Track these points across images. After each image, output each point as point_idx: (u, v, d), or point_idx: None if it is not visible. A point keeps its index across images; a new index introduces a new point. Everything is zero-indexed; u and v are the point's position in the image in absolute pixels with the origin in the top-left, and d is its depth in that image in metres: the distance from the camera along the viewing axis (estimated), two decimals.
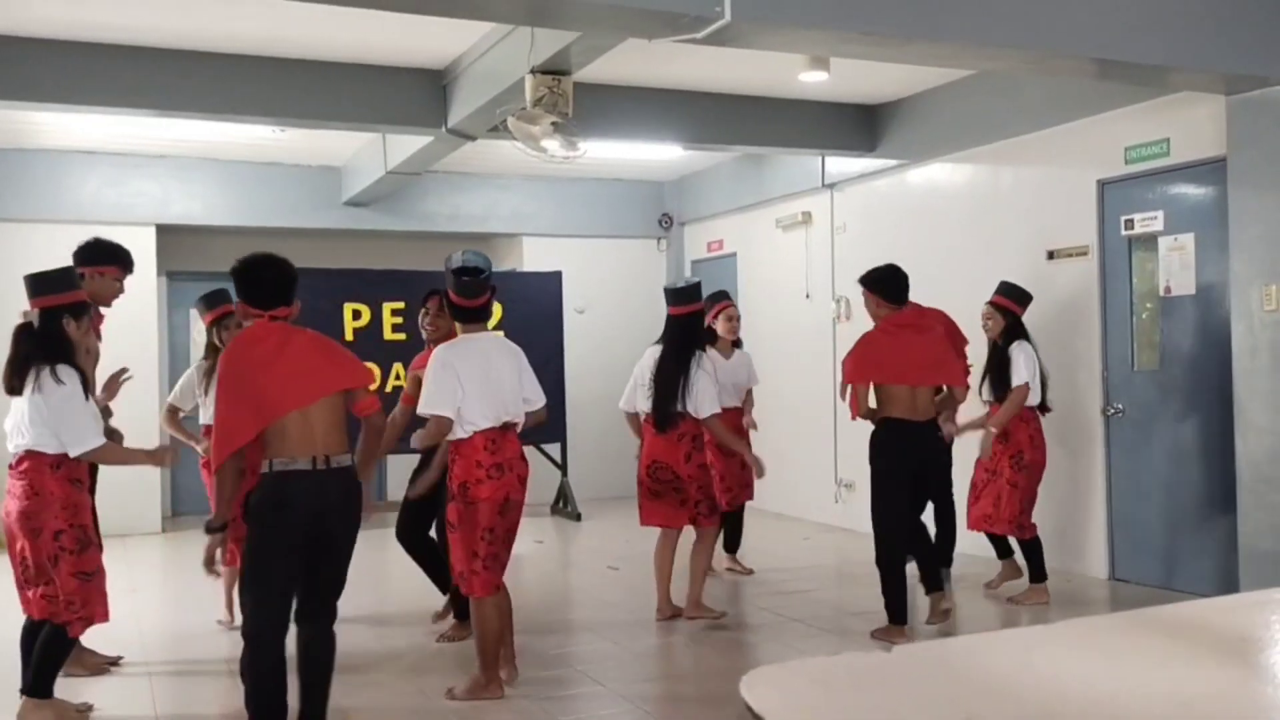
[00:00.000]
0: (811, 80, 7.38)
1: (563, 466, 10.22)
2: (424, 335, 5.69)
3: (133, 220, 9.50)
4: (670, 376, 5.96)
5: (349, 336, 9.04)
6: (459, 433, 4.68)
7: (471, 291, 4.78)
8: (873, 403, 5.79)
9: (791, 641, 5.78)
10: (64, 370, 4.38)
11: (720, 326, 7.14)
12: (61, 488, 4.41)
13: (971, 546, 7.00)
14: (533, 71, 5.95)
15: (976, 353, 6.60)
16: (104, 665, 5.31)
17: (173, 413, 6.11)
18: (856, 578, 7.30)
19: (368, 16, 5.45)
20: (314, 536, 3.95)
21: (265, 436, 3.91)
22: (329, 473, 3.94)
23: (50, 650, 4.46)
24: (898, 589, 5.69)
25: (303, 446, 3.90)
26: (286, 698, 4.01)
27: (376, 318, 9.32)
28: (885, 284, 5.85)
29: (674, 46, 4.68)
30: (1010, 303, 6.45)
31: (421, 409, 4.70)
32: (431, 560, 5.95)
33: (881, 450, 5.72)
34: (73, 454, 4.37)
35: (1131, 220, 6.78)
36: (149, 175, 9.81)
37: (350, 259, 10.53)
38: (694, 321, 6.15)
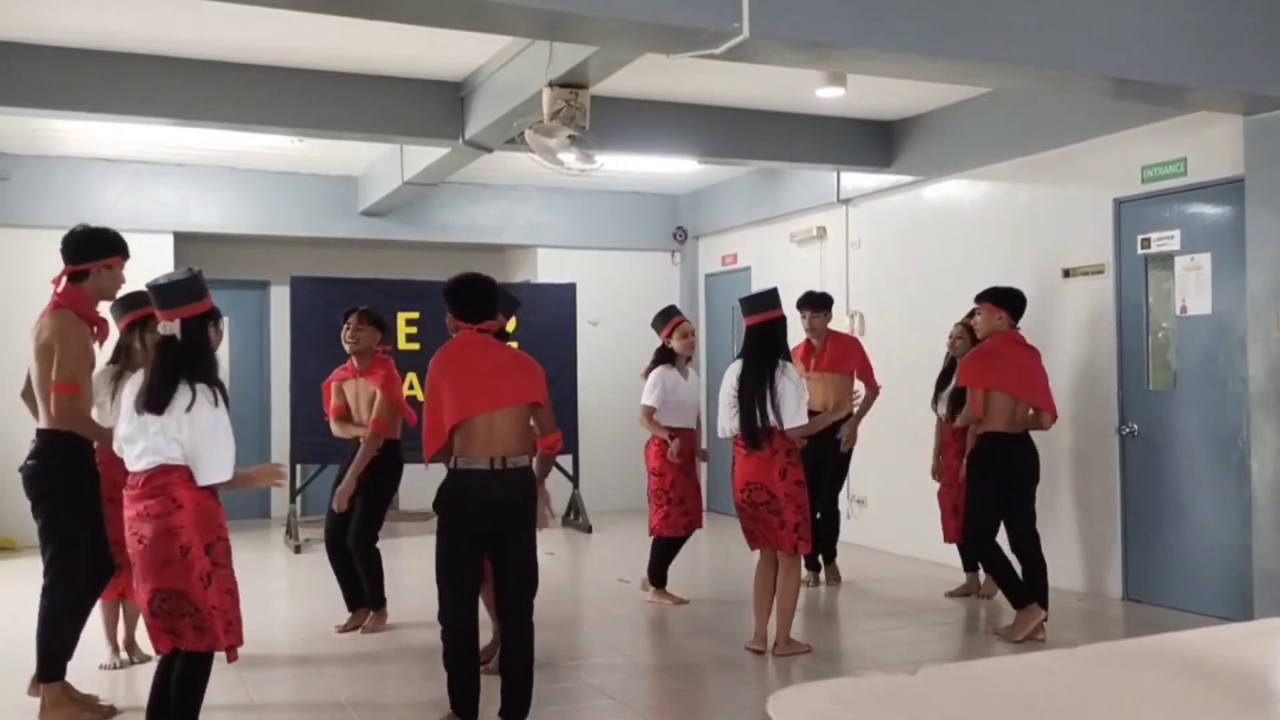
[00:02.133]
0: (828, 96, 7.40)
1: (574, 478, 10.22)
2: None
3: (151, 227, 9.55)
4: (754, 390, 5.60)
5: None
6: None
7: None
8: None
9: (804, 660, 5.75)
10: (219, 393, 3.98)
11: (677, 344, 6.92)
12: (206, 498, 3.96)
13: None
14: (550, 84, 5.98)
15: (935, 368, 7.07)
16: (104, 706, 4.82)
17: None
18: (868, 595, 7.28)
19: (387, 28, 5.50)
20: (488, 532, 4.38)
21: (455, 435, 4.35)
22: (505, 473, 4.35)
23: (195, 685, 4.00)
24: (1013, 575, 5.95)
25: (485, 448, 4.35)
26: (478, 677, 4.47)
27: (391, 327, 9.34)
28: (1009, 301, 6.20)
29: (691, 61, 4.69)
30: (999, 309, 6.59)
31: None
32: (347, 572, 6.29)
33: (984, 460, 6.03)
34: (204, 482, 3.91)
35: (1148, 239, 6.77)
36: (168, 183, 9.88)
37: (366, 268, 10.58)
38: (771, 330, 5.71)
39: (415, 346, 9.22)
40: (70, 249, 4.69)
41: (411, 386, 9.36)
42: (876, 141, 8.72)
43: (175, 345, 3.96)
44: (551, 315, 9.84)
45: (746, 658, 5.75)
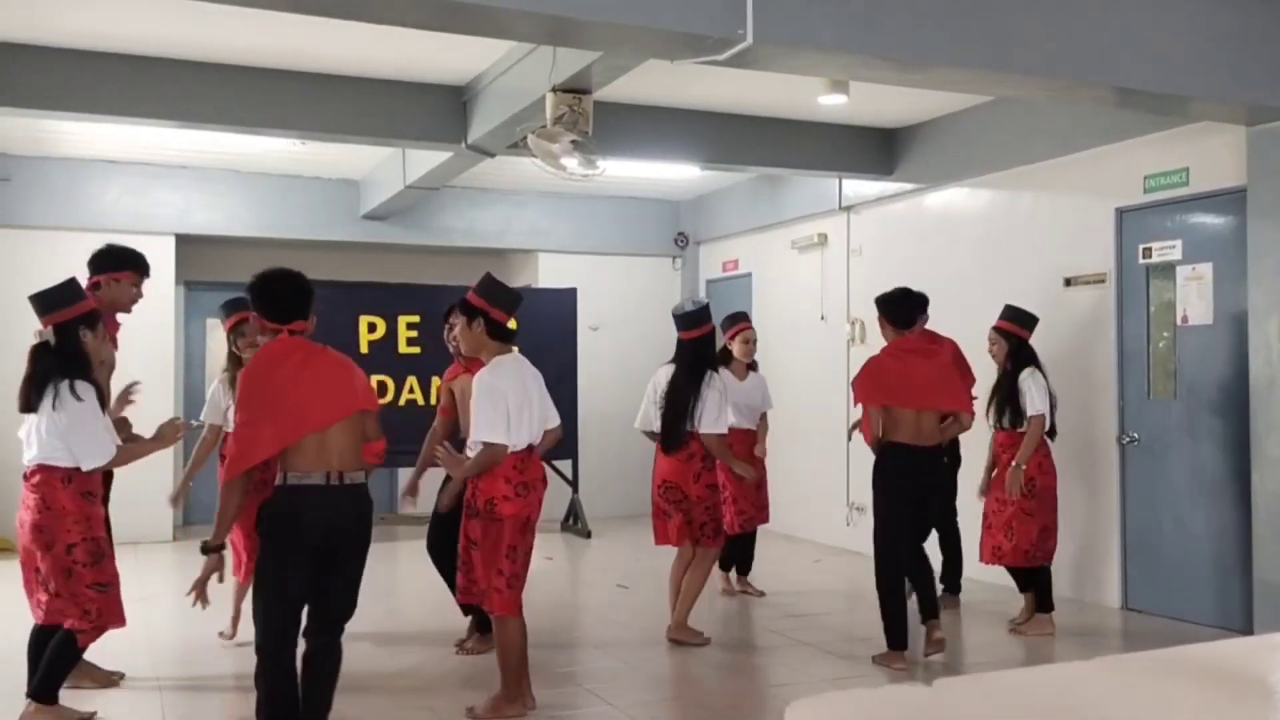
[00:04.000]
0: (830, 103, 7.40)
1: (574, 483, 10.21)
2: (451, 349, 5.81)
3: (153, 230, 9.55)
4: (681, 396, 5.97)
5: (364, 349, 9.09)
6: None
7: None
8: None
9: (800, 665, 5.75)
10: (81, 386, 4.41)
11: (736, 349, 7.11)
12: (74, 501, 4.42)
13: (985, 574, 6.95)
14: (553, 90, 5.98)
15: (986, 379, 6.56)
16: (112, 678, 5.26)
17: (216, 432, 5.81)
18: (867, 601, 7.24)
19: (391, 32, 5.50)
20: (324, 551, 3.97)
21: (283, 452, 3.95)
22: (342, 489, 3.98)
23: (59, 656, 4.48)
24: (898, 614, 5.68)
25: (318, 462, 3.95)
26: (299, 709, 4.03)
27: (392, 331, 9.36)
28: (891, 306, 5.94)
29: (694, 67, 4.70)
30: (1015, 327, 6.37)
31: (479, 436, 4.60)
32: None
33: (885, 474, 5.71)
34: (86, 468, 4.41)
35: (1150, 249, 6.77)
36: (170, 185, 9.88)
37: (367, 272, 10.58)
38: (704, 345, 6.13)
39: (416, 350, 9.23)
40: (89, 263, 5.21)
41: (411, 390, 9.37)
42: (879, 149, 8.72)
43: (47, 349, 4.47)
44: (552, 320, 9.84)
45: (746, 663, 5.75)
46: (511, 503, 4.65)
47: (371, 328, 9.27)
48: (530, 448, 4.76)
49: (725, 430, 6.05)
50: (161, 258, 9.53)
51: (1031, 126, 7.41)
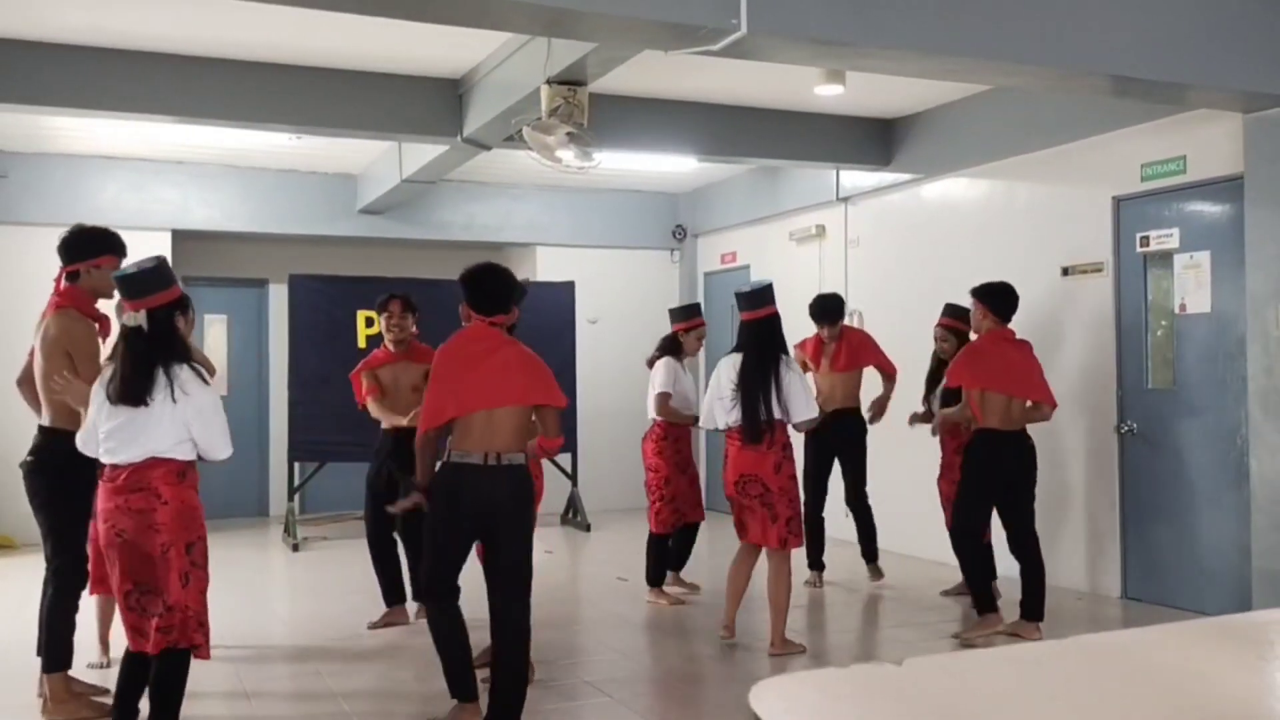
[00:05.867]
0: (827, 94, 7.39)
1: (573, 477, 10.21)
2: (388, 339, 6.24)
3: (150, 225, 9.54)
4: (755, 385, 5.59)
5: (361, 344, 9.08)
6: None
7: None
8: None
9: (801, 657, 5.75)
10: (198, 374, 4.01)
11: (691, 343, 7.00)
12: (191, 496, 3.98)
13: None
14: (548, 82, 5.96)
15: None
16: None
17: None
18: (867, 594, 7.27)
19: (385, 25, 5.49)
20: (485, 526, 4.34)
21: (454, 427, 4.33)
22: (499, 469, 4.29)
23: (175, 685, 3.98)
24: (982, 577, 6.00)
25: (480, 443, 4.29)
26: (468, 655, 4.41)
27: None
28: (997, 298, 6.09)
29: (690, 58, 4.68)
30: (959, 323, 6.68)
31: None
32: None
33: (976, 457, 5.94)
34: (220, 458, 4.00)
35: (1147, 237, 6.76)
36: (167, 181, 9.87)
37: (364, 267, 10.57)
38: (769, 325, 5.72)
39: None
40: (62, 250, 4.73)
41: None
42: (876, 139, 8.71)
43: (143, 335, 3.95)
44: (550, 314, 9.83)
45: (746, 656, 5.74)
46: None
47: (369, 322, 9.25)
48: None
49: (816, 413, 5.81)
50: (159, 253, 9.52)
51: (1028, 116, 7.40)
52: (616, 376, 10.59)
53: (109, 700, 4.58)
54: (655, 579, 6.92)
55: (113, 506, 3.89)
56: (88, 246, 4.72)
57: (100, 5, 5.95)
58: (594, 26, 4.56)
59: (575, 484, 10.24)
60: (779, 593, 5.68)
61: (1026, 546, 5.99)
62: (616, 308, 11.21)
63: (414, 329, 6.28)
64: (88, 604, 4.86)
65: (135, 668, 4.00)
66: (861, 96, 7.83)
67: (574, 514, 10.26)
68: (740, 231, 10.87)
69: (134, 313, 3.98)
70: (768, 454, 5.60)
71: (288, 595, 7.88)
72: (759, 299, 5.76)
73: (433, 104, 7.38)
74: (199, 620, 3.94)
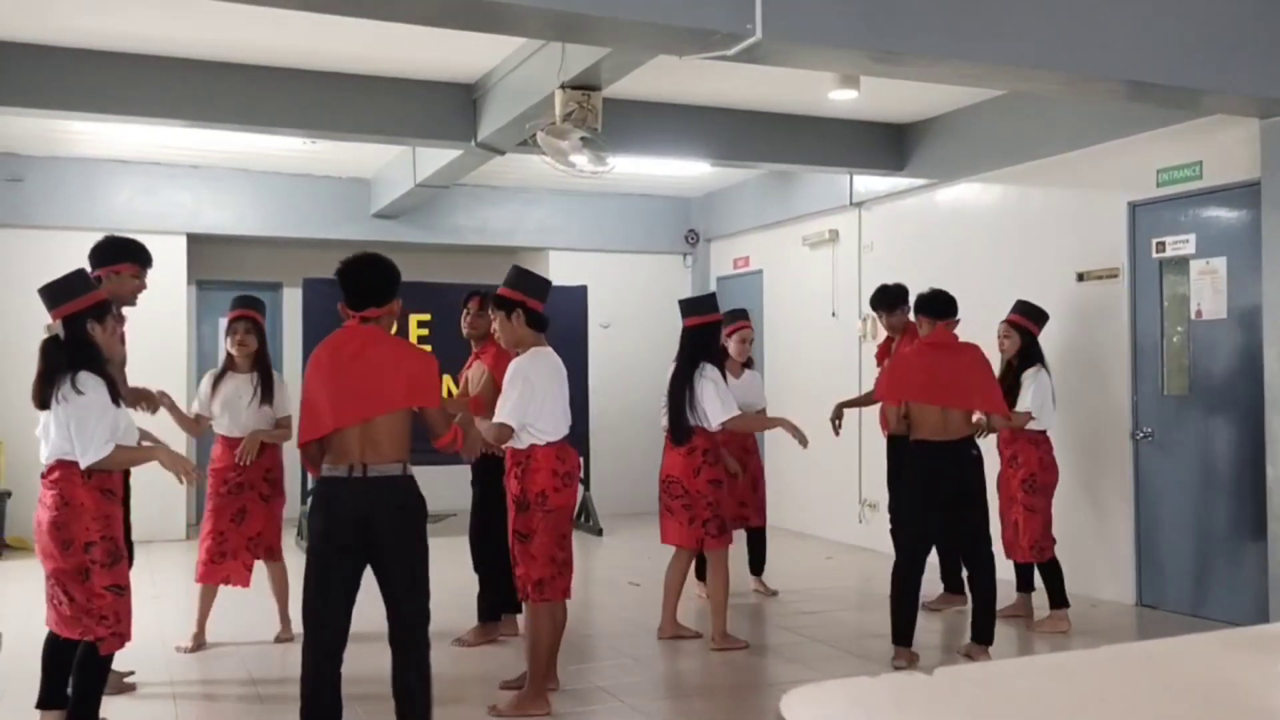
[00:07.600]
0: (841, 98, 7.37)
1: (585, 480, 10.20)
2: (465, 333, 6.11)
3: (164, 229, 9.59)
4: (680, 388, 5.91)
5: None
6: (525, 441, 4.79)
7: None
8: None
9: (813, 663, 5.74)
10: (84, 379, 4.21)
11: (732, 347, 6.98)
12: (92, 498, 4.23)
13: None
14: (563, 87, 5.97)
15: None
16: (126, 684, 5.20)
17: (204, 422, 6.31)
18: (879, 599, 7.24)
19: (400, 30, 5.50)
20: (364, 547, 3.91)
21: (325, 440, 3.99)
22: (369, 481, 3.90)
23: (86, 673, 4.28)
24: (907, 609, 5.57)
25: (345, 455, 3.94)
26: (340, 706, 4.03)
27: (402, 329, 9.35)
28: (926, 304, 5.95)
29: (703, 63, 4.68)
30: (1028, 321, 6.39)
31: (497, 418, 4.76)
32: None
33: (906, 473, 5.78)
34: (83, 464, 4.17)
35: (1163, 243, 6.73)
36: (181, 185, 9.91)
37: None
38: (705, 333, 5.98)
39: (427, 349, 9.20)
40: (89, 256, 5.08)
41: None
42: (889, 144, 8.69)
43: (57, 343, 4.29)
44: (562, 318, 9.78)
45: (762, 663, 5.73)
46: (560, 493, 4.82)
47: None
48: (564, 440, 4.91)
49: (735, 413, 5.82)
50: (173, 257, 9.59)
51: (1043, 121, 7.37)
52: (628, 380, 10.60)
53: (133, 680, 4.68)
54: (758, 568, 7.37)
55: (40, 499, 4.30)
56: (109, 253, 5.07)
57: (115, 10, 5.98)
58: (608, 32, 4.56)
59: (587, 488, 10.23)
60: (717, 590, 5.93)
61: (978, 565, 5.65)
62: (629, 312, 11.21)
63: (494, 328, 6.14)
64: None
65: (51, 647, 4.39)
66: (875, 101, 7.82)
67: (586, 518, 10.25)
68: (753, 236, 10.86)
69: (54, 322, 4.35)
70: (689, 457, 5.88)
71: (297, 597, 7.87)
72: (698, 306, 6.09)
73: (447, 109, 7.40)
74: (100, 615, 4.23)
